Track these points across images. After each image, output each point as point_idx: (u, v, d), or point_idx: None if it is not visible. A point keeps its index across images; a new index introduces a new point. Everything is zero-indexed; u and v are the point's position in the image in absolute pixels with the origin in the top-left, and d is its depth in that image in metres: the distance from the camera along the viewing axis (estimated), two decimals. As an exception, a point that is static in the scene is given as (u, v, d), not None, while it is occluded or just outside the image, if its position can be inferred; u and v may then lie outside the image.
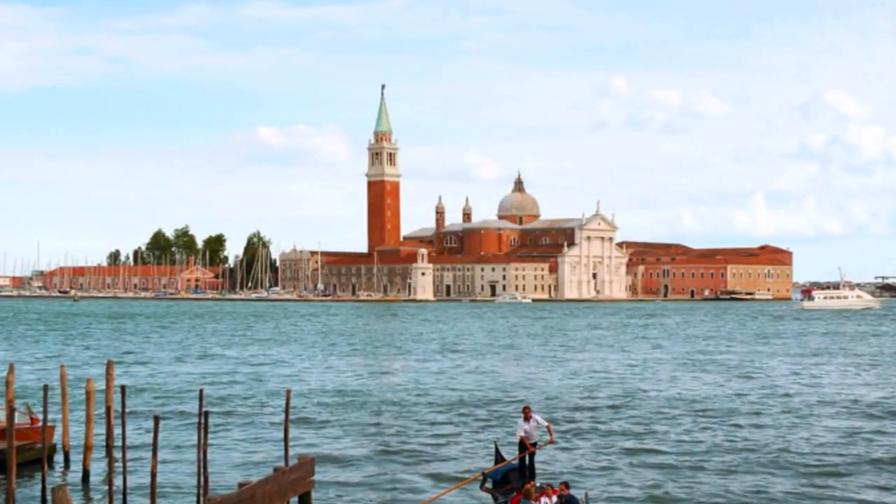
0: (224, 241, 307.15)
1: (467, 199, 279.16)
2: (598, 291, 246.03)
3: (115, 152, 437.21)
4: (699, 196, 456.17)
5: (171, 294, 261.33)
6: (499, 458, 21.90)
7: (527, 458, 21.44)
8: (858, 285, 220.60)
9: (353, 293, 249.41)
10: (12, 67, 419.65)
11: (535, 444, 21.59)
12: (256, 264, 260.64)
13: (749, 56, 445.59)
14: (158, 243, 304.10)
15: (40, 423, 24.53)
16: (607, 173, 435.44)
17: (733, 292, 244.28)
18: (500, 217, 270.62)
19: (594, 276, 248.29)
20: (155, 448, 19.69)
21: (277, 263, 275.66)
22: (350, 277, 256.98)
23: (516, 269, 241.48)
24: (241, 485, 18.93)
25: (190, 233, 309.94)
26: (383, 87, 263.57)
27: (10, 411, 21.97)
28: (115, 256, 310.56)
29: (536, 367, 57.30)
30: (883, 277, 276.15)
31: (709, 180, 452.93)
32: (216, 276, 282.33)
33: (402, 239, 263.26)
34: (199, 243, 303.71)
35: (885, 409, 38.22)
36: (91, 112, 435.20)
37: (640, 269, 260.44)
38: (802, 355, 66.81)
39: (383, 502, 23.12)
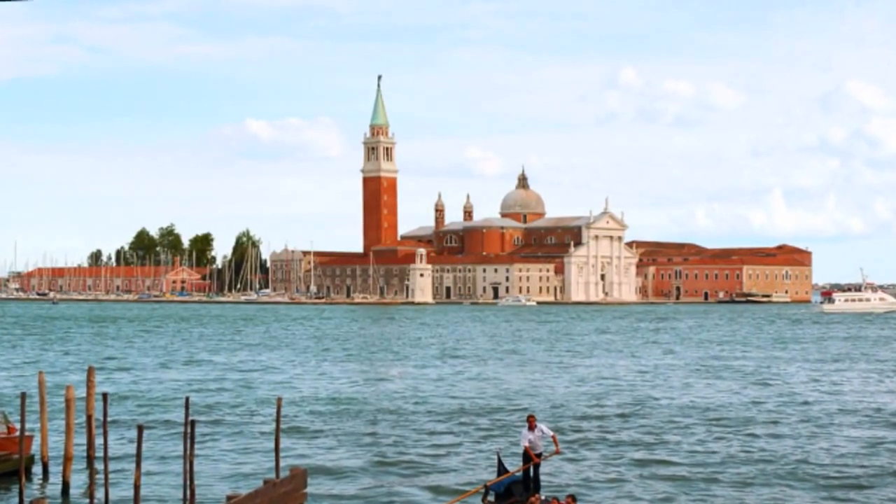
0: (211, 240, 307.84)
1: (468, 197, 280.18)
2: (606, 294, 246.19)
3: (97, 146, 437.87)
4: (713, 193, 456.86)
5: (156, 296, 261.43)
6: (502, 469, 21.92)
7: (531, 469, 21.47)
8: (881, 287, 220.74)
9: (348, 295, 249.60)
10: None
11: (539, 455, 21.62)
12: (245, 265, 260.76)
13: (766, 45, 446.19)
14: (142, 243, 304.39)
15: (17, 433, 24.54)
16: (616, 169, 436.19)
17: (749, 294, 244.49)
18: (503, 215, 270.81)
19: (602, 277, 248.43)
20: (138, 459, 19.70)
21: (268, 264, 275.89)
22: (344, 279, 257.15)
23: (520, 270, 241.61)
24: (229, 498, 18.97)
25: (175, 232, 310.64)
26: (380, 77, 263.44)
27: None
28: (96, 257, 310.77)
29: (541, 373, 57.36)
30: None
31: (723, 176, 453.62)
32: (203, 278, 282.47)
33: (399, 238, 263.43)
34: (185, 243, 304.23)
35: (909, 417, 38.27)
36: (71, 104, 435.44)
37: (651, 270, 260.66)
38: (822, 361, 66.89)
39: (380, 516, 23.16)
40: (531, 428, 21.51)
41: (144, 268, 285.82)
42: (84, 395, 26.83)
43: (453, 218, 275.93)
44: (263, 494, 19.24)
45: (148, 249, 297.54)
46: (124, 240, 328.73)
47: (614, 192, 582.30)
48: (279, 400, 23.48)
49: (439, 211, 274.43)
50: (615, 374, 56.25)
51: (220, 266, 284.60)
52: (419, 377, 54.57)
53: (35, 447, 26.66)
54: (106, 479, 21.45)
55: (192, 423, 20.52)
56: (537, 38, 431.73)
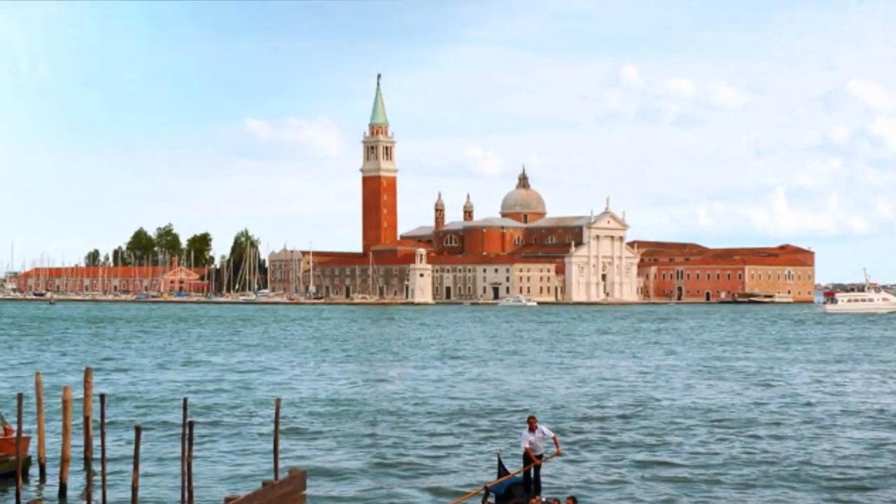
0: (209, 240, 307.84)
1: (468, 196, 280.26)
2: (607, 294, 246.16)
3: (94, 146, 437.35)
4: (715, 192, 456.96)
5: (154, 297, 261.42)
6: (502, 471, 21.91)
7: (532, 471, 21.46)
8: (885, 287, 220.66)
9: (347, 296, 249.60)
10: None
11: (540, 457, 21.61)
12: (244, 265, 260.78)
13: (768, 44, 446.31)
14: (140, 243, 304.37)
15: (14, 434, 24.53)
16: (617, 168, 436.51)
17: (751, 295, 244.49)
18: (504, 215, 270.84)
19: (603, 277, 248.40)
20: (136, 460, 19.68)
21: (266, 264, 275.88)
22: (344, 279, 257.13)
23: (520, 271, 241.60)
24: (227, 500, 18.96)
25: (173, 231, 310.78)
26: (379, 76, 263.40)
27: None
28: (93, 257, 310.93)
29: (542, 374, 57.35)
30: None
31: (725, 176, 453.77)
32: (201, 278, 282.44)
33: (399, 238, 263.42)
34: (183, 243, 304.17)
35: (912, 419, 38.27)
36: (70, 104, 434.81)
37: (653, 270, 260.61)
38: (825, 362, 66.89)
39: (379, 518, 23.16)
40: (532, 429, 21.50)
41: (142, 268, 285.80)
42: (81, 396, 26.82)
43: (453, 218, 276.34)
44: (262, 496, 19.22)
45: (146, 249, 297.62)
46: (122, 240, 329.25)
47: (615, 191, 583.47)
48: (278, 401, 23.46)
49: (439, 211, 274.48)
50: (616, 375, 56.24)
51: (218, 266, 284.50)
52: (419, 378, 54.55)
53: (32, 448, 26.64)
54: (103, 480, 21.43)
55: (191, 424, 20.51)
56: (537, 38, 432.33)
